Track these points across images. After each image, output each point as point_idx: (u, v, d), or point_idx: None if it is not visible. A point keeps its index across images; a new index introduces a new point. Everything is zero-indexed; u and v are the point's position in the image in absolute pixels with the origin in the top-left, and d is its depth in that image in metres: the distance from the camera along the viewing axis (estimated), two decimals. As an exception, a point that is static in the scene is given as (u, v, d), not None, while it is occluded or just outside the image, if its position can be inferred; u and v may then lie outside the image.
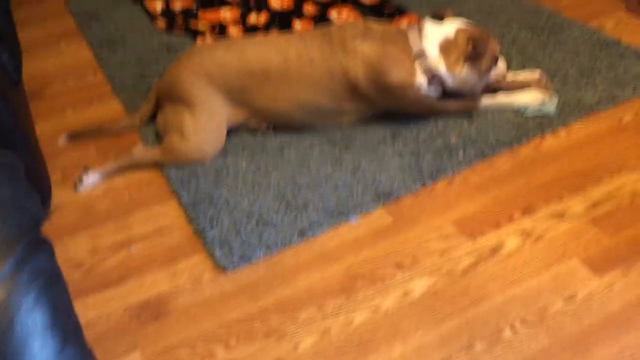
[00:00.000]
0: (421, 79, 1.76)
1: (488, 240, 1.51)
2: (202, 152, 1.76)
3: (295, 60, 1.74)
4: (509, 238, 1.51)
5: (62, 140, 1.92)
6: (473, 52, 1.73)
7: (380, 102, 1.81)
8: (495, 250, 1.48)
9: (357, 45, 1.73)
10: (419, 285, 1.41)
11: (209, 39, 2.38)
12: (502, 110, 1.88)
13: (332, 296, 1.40)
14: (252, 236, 1.54)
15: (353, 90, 1.77)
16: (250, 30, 2.43)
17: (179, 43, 2.38)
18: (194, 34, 2.42)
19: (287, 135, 1.85)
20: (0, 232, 0.88)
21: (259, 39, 1.87)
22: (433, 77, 1.77)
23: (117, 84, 2.18)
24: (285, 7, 2.58)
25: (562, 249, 1.47)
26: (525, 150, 1.76)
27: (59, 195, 1.72)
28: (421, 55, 1.75)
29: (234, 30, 2.43)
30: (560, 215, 1.55)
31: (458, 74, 1.77)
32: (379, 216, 1.59)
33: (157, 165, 1.78)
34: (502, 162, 1.73)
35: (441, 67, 1.75)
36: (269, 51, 1.76)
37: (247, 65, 1.75)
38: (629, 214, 1.54)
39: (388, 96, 1.78)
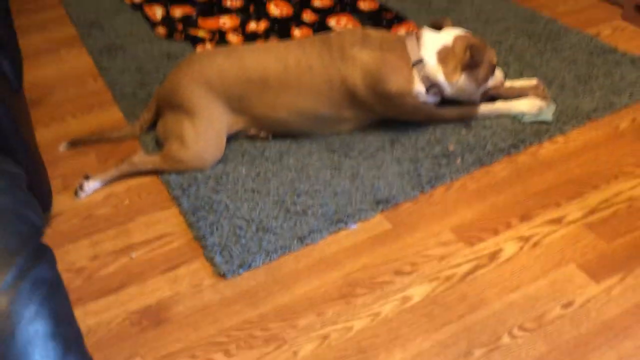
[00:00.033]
0: (419, 87, 1.77)
1: (486, 246, 1.52)
2: (202, 160, 1.76)
3: (294, 68, 1.75)
4: (507, 244, 1.52)
5: (62, 148, 1.93)
6: (471, 60, 1.75)
7: (378, 110, 1.82)
8: (493, 256, 1.49)
9: (356, 52, 1.74)
10: (418, 292, 1.41)
11: (208, 46, 2.40)
12: (499, 117, 1.90)
13: (332, 303, 1.41)
14: (252, 242, 1.55)
15: (352, 97, 1.78)
16: (249, 37, 2.45)
17: (179, 50, 2.39)
18: (194, 41, 2.43)
19: (287, 142, 1.86)
20: (1, 242, 0.89)
21: (258, 46, 1.88)
22: (431, 85, 1.78)
23: (117, 91, 2.19)
24: (284, 14, 2.59)
25: (559, 255, 1.48)
26: (523, 158, 1.77)
27: (60, 202, 1.73)
28: (419, 63, 1.76)
29: (233, 38, 2.45)
30: (558, 222, 1.56)
31: (456, 82, 1.78)
32: (378, 223, 1.60)
33: (157, 172, 1.79)
34: (500, 169, 1.74)
35: (439, 75, 1.77)
36: (268, 59, 1.77)
37: (246, 73, 1.76)
38: (626, 221, 1.55)
39: (386, 104, 1.79)
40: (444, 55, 1.77)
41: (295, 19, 2.55)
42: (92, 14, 2.73)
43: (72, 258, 1.56)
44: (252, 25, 2.52)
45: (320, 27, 2.48)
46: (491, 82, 1.87)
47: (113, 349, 1.34)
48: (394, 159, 1.78)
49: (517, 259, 1.48)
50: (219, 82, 1.75)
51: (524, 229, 1.55)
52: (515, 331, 1.31)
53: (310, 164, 1.78)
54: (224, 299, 1.43)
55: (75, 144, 1.93)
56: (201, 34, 2.48)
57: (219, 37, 2.44)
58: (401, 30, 2.39)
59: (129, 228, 1.64)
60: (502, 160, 1.76)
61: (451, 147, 1.80)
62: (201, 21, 2.57)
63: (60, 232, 1.64)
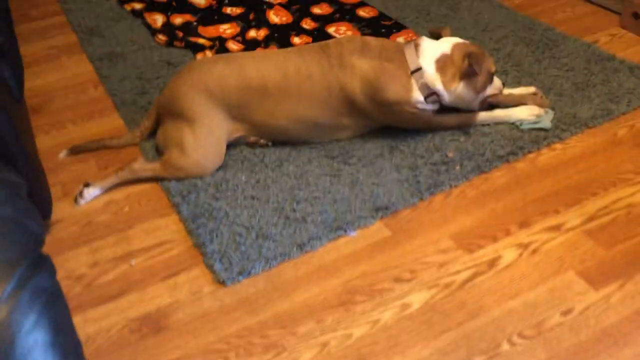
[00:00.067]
0: (418, 95, 1.78)
1: (485, 253, 1.52)
2: (202, 167, 1.77)
3: (293, 76, 1.76)
4: (506, 252, 1.52)
5: (62, 155, 1.93)
6: (469, 68, 1.76)
7: (377, 117, 1.83)
8: (492, 263, 1.49)
9: (355, 61, 1.75)
10: (417, 299, 1.42)
11: (209, 53, 2.41)
12: (498, 125, 1.90)
13: (331, 310, 1.41)
14: (252, 250, 1.55)
15: (350, 105, 1.79)
16: (249, 45, 2.46)
17: (180, 58, 2.40)
18: (194, 48, 2.44)
19: (286, 149, 1.87)
20: (1, 252, 0.89)
21: (258, 54, 1.89)
22: (429, 93, 1.79)
23: (117, 98, 2.19)
24: (284, 22, 2.60)
25: (558, 262, 1.48)
26: (522, 165, 1.78)
27: (60, 210, 1.73)
28: (418, 71, 1.77)
29: (233, 45, 2.46)
30: (557, 229, 1.57)
31: (454, 90, 1.79)
32: (377, 230, 1.60)
33: (157, 180, 1.80)
34: (499, 176, 1.74)
35: (437, 84, 1.78)
36: (268, 66, 1.78)
37: (246, 81, 1.77)
38: (625, 228, 1.56)
39: (385, 111, 1.80)
40: (442, 64, 1.78)
41: (295, 27, 2.56)
42: (92, 21, 2.74)
43: (71, 265, 1.57)
44: (252, 33, 2.53)
45: (319, 34, 2.49)
46: (489, 90, 1.88)
47: (112, 356, 1.34)
48: (393, 166, 1.78)
49: (516, 266, 1.48)
50: (219, 89, 1.76)
51: (523, 236, 1.56)
52: (515, 338, 1.32)
53: (310, 171, 1.79)
54: (223, 306, 1.44)
55: (76, 151, 1.94)
56: (201, 41, 2.49)
57: (219, 45, 2.45)
58: (400, 39, 2.40)
59: (129, 235, 1.65)
60: (500, 168, 1.77)
61: (450, 155, 1.80)
62: (201, 29, 2.59)
63: (60, 239, 1.64)
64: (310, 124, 1.82)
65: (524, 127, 1.88)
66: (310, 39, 2.45)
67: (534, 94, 1.96)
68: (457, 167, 1.76)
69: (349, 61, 1.75)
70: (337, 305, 1.42)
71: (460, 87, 1.79)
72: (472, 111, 1.89)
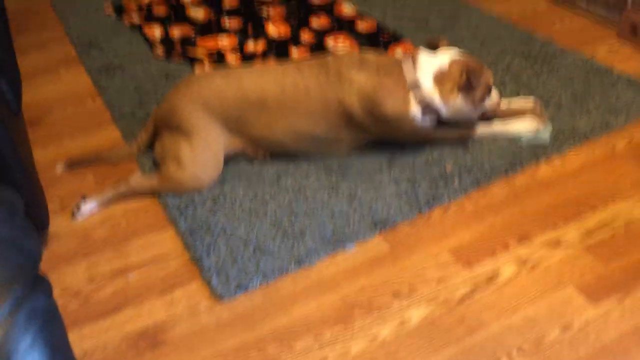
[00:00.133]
0: (416, 109, 1.78)
1: (484, 268, 1.51)
2: (199, 181, 1.77)
3: (291, 90, 1.76)
4: (505, 266, 1.51)
5: (59, 168, 1.93)
6: (467, 82, 1.76)
7: (375, 132, 1.83)
8: (491, 278, 1.48)
9: (353, 75, 1.76)
10: (416, 314, 1.41)
11: (207, 66, 2.41)
12: (497, 138, 1.90)
13: (329, 325, 1.40)
14: (249, 264, 1.54)
15: (349, 119, 1.79)
16: (247, 57, 2.46)
17: (178, 70, 2.40)
18: (192, 61, 2.45)
19: (284, 163, 1.87)
20: (-2, 273, 0.89)
21: (256, 68, 1.90)
22: (427, 107, 1.79)
23: (115, 111, 2.19)
24: (282, 35, 2.61)
25: (557, 277, 1.48)
26: (521, 179, 1.77)
27: (57, 224, 1.72)
28: (415, 85, 1.77)
29: (231, 58, 2.46)
30: (556, 244, 1.56)
31: (452, 104, 1.79)
32: (376, 244, 1.60)
33: (155, 193, 1.79)
34: (498, 190, 1.74)
35: (435, 98, 1.78)
36: (266, 80, 1.78)
37: (244, 94, 1.77)
38: (624, 242, 1.55)
39: (383, 126, 1.80)
40: (440, 78, 1.78)
41: (293, 40, 2.57)
42: (91, 34, 2.74)
43: (68, 280, 1.56)
44: (251, 46, 2.54)
45: (318, 47, 2.49)
46: (488, 104, 1.88)
47: (109, 372, 1.33)
48: (391, 180, 1.78)
49: (516, 280, 1.48)
50: (217, 103, 1.76)
51: (522, 250, 1.55)
52: (514, 354, 1.31)
53: (308, 185, 1.78)
54: (220, 321, 1.43)
55: (73, 164, 1.93)
56: (199, 54, 2.49)
57: (218, 58, 2.46)
58: (398, 50, 2.41)
59: (126, 249, 1.64)
60: (499, 182, 1.76)
61: (448, 168, 1.80)
62: (200, 41, 2.59)
63: (56, 254, 1.63)
64: (308, 138, 1.82)
65: (523, 141, 1.88)
66: (308, 52, 2.46)
67: (533, 107, 1.96)
68: (456, 181, 1.76)
69: (347, 76, 1.76)
70: (335, 320, 1.41)
71: (458, 101, 1.79)
72: (471, 125, 1.89)
